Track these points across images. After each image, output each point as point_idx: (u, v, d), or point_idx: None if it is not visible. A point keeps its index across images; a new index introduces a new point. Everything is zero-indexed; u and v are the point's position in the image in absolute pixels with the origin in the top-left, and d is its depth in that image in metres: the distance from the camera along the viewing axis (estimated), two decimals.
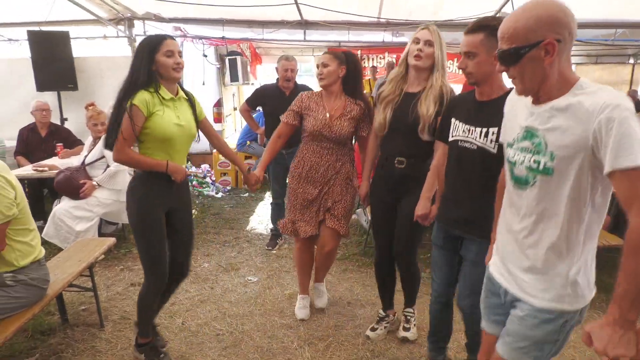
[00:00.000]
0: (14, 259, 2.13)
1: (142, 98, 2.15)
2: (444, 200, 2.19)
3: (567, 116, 1.27)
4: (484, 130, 1.92)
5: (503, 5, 4.75)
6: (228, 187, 6.57)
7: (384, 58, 10.07)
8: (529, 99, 1.40)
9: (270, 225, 4.63)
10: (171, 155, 2.32)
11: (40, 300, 2.31)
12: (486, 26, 1.81)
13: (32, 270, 2.21)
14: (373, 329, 2.87)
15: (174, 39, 2.29)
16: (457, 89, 3.45)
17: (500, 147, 1.68)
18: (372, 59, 10.43)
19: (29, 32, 5.29)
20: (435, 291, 2.31)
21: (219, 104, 7.43)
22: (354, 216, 5.22)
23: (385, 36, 6.10)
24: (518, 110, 1.47)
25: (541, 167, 1.33)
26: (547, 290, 1.38)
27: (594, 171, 1.26)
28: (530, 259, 1.42)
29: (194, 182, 6.62)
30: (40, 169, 4.28)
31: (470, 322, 2.13)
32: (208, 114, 7.36)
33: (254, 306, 3.25)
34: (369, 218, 3.83)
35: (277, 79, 4.23)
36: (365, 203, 2.86)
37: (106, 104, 4.67)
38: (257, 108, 4.67)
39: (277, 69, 4.18)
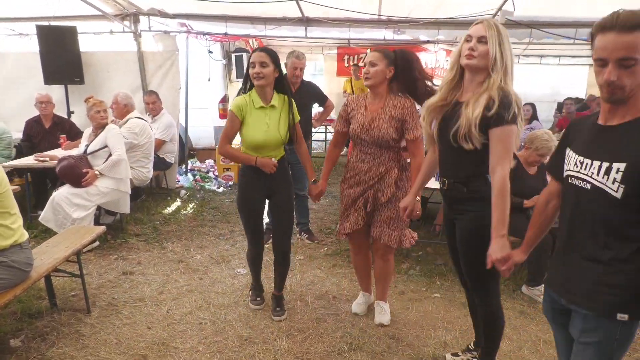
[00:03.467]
0: None
1: (237, 104, 2.67)
2: (552, 259, 1.68)
3: None
4: (605, 165, 1.40)
5: (503, 4, 4.70)
6: (230, 183, 6.64)
7: None
8: None
9: (267, 219, 4.67)
10: (261, 154, 2.75)
11: (23, 282, 2.38)
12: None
13: (13, 253, 2.29)
14: (455, 355, 2.59)
15: (262, 51, 2.61)
16: None
17: (628, 192, 1.35)
18: (362, 58, 10.42)
19: (38, 27, 5.44)
20: None
21: (224, 100, 7.52)
22: None
23: (387, 34, 6.07)
24: None
25: None
26: None
27: None
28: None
29: (197, 177, 6.71)
30: (42, 159, 4.40)
31: None
32: (213, 110, 7.47)
33: (240, 297, 3.29)
34: None
35: (285, 75, 4.23)
36: (407, 217, 2.53)
37: (112, 97, 4.80)
38: None
39: (286, 64, 4.18)
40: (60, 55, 5.42)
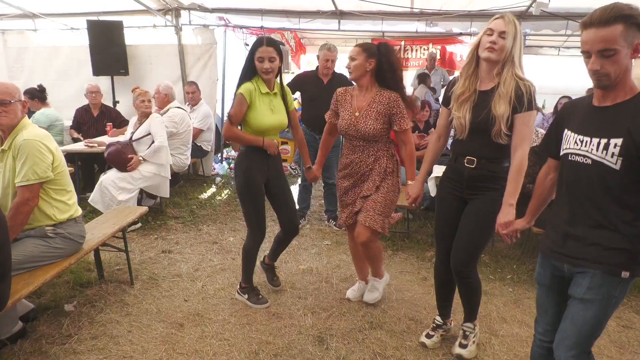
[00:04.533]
0: (52, 214, 2.50)
1: (246, 88, 2.69)
2: (551, 229, 1.82)
3: None
4: (603, 141, 1.58)
5: None
6: None
7: (427, 49, 9.99)
8: None
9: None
10: (265, 136, 2.82)
11: (77, 253, 2.67)
12: (624, 16, 1.47)
13: (69, 226, 2.57)
14: (428, 336, 2.69)
15: (271, 45, 2.65)
16: None
17: (626, 164, 1.54)
18: (416, 50, 10.37)
19: (88, 22, 5.82)
20: (539, 334, 1.95)
21: None
22: None
23: (419, 26, 6.10)
24: None
25: None
26: None
27: None
28: None
29: (232, 165, 6.99)
30: (91, 144, 4.75)
31: None
32: None
33: None
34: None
35: (317, 67, 4.41)
36: (415, 204, 2.70)
37: (153, 88, 5.11)
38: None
39: (318, 57, 4.35)
40: (107, 48, 5.79)
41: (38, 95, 5.29)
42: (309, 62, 11.04)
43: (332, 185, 4.56)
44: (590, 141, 1.61)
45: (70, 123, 5.62)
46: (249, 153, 2.85)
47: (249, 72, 2.72)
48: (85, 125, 5.45)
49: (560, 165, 1.77)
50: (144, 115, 4.48)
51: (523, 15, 5.18)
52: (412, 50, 10.29)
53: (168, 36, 6.17)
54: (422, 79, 7.48)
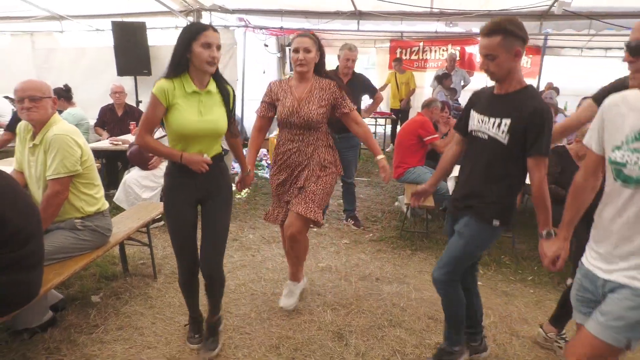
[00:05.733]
0: (81, 206, 2.59)
1: (160, 87, 2.09)
2: (454, 191, 2.31)
3: None
4: (497, 120, 2.00)
5: None
6: None
7: (446, 50, 9.94)
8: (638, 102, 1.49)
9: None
10: (190, 150, 2.22)
11: (104, 246, 2.75)
12: (502, 29, 1.88)
13: (96, 219, 2.65)
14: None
15: (217, 31, 2.15)
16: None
17: (511, 139, 1.96)
18: (435, 52, 10.31)
19: (113, 23, 5.97)
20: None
21: None
22: (395, 203, 5.37)
23: (439, 26, 6.08)
24: (626, 115, 1.50)
25: None
26: None
27: None
28: (633, 246, 1.50)
29: None
30: (115, 142, 4.87)
31: (442, 296, 2.28)
32: None
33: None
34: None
35: (337, 67, 4.42)
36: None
37: None
38: None
39: (338, 56, 4.36)
40: (131, 49, 5.93)
41: (64, 95, 5.43)
42: (326, 64, 11.09)
43: (350, 185, 4.58)
44: (489, 120, 2.05)
45: (94, 122, 5.76)
46: (171, 169, 2.30)
47: (180, 65, 2.12)
48: (109, 125, 5.58)
49: (469, 141, 2.21)
50: None
51: (545, 15, 5.13)
52: (430, 51, 10.26)
53: None
54: (440, 79, 7.43)
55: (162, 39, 6.41)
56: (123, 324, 2.75)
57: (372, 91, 4.56)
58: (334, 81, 2.73)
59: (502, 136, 1.99)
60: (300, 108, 2.66)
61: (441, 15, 5.48)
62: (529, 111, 1.92)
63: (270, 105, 2.81)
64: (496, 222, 2.09)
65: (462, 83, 7.99)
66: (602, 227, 1.60)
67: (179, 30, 2.30)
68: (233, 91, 2.35)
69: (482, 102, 2.13)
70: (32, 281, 2.10)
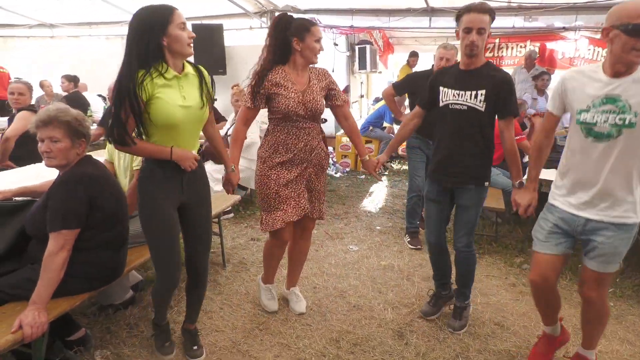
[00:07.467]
0: None
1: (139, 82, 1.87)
2: (438, 159, 2.56)
3: None
4: (473, 92, 2.36)
5: None
6: (347, 169, 6.98)
7: (524, 47, 9.40)
8: (599, 74, 1.90)
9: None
10: (178, 143, 2.03)
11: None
12: (489, 10, 2.28)
13: None
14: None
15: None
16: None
17: (487, 106, 2.35)
18: (512, 48, 9.80)
19: (193, 25, 6.34)
20: (430, 238, 2.72)
21: (346, 91, 7.87)
22: None
23: (516, 21, 5.78)
24: (586, 85, 1.94)
25: (627, 122, 1.83)
26: (629, 211, 1.93)
27: None
28: (609, 190, 1.93)
29: None
30: None
31: (464, 260, 2.64)
32: None
33: (351, 270, 3.57)
34: None
35: (432, 66, 4.14)
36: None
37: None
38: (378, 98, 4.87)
39: (434, 56, 4.10)
40: (209, 50, 6.26)
41: None
42: (396, 63, 10.96)
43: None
44: (465, 93, 2.38)
45: None
46: (152, 168, 2.06)
47: (153, 55, 1.88)
48: None
49: (443, 114, 2.48)
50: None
51: None
52: (507, 47, 9.75)
53: (263, 37, 6.49)
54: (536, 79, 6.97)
55: (237, 39, 6.70)
56: None
57: None
58: (324, 68, 2.62)
59: (480, 105, 2.36)
60: (306, 98, 2.46)
61: (519, 9, 5.21)
62: (499, 81, 2.34)
63: (263, 96, 2.47)
64: (486, 183, 2.51)
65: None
66: (577, 178, 2.00)
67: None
68: (208, 72, 2.18)
69: (451, 78, 2.45)
70: (118, 261, 2.32)
